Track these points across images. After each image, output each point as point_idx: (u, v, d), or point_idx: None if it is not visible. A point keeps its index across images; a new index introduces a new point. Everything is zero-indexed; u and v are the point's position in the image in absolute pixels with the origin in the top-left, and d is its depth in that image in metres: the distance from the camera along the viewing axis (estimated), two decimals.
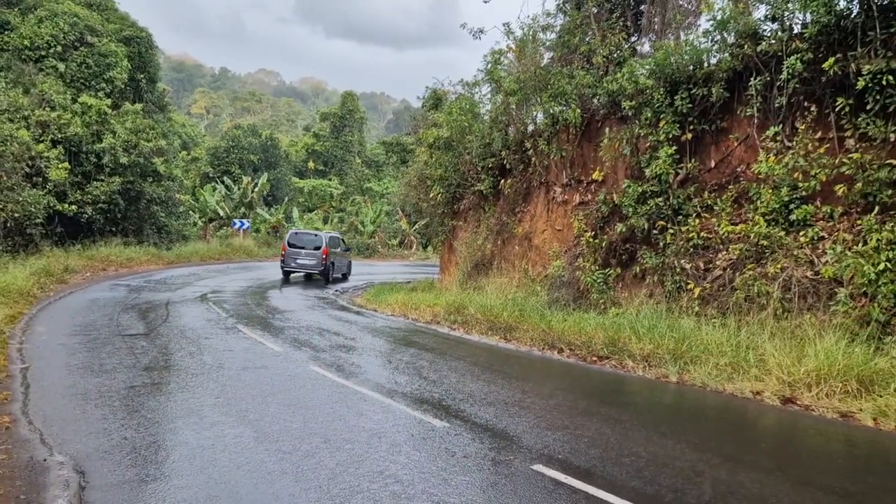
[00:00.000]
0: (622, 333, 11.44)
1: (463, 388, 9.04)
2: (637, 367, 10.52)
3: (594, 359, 11.25)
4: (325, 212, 57.88)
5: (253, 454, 6.09)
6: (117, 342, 11.48)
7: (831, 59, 10.98)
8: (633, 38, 18.62)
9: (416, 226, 49.10)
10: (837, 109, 11.10)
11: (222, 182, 47.20)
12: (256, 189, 44.67)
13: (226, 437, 6.53)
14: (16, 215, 22.13)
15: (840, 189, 10.82)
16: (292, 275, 28.19)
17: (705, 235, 13.09)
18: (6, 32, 29.97)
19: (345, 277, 30.28)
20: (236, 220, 41.23)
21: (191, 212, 41.93)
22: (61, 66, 30.99)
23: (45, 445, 6.26)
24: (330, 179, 66.90)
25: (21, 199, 22.49)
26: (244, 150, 55.12)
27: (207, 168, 53.50)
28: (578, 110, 16.46)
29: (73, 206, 27.13)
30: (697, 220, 13.31)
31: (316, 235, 28.51)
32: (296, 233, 28.94)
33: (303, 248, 27.38)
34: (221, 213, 42.69)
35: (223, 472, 5.63)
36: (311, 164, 68.94)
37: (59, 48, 30.86)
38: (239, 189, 44.65)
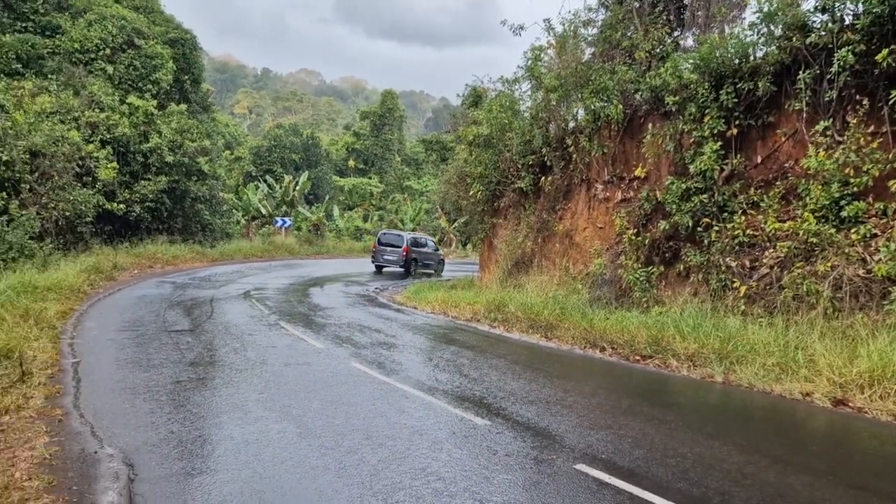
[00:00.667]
0: (666, 332, 11.26)
1: (504, 387, 9.00)
2: (681, 367, 10.34)
3: (637, 358, 11.10)
4: (366, 210, 58.32)
5: (296, 449, 6.16)
6: (164, 338, 11.72)
7: (885, 51, 10.64)
8: (676, 33, 18.28)
9: (456, 224, 49.12)
10: (891, 103, 10.75)
11: (264, 181, 47.87)
12: (298, 188, 45.20)
13: (270, 433, 6.62)
14: (67, 214, 22.74)
15: (893, 185, 10.48)
16: (384, 268, 32.42)
17: (751, 233, 12.79)
18: (58, 36, 30.82)
19: (436, 272, 33.79)
20: (278, 219, 41.78)
21: (234, 210, 42.61)
22: (110, 69, 31.77)
23: (96, 438, 6.42)
24: (370, 178, 67.39)
25: (72, 198, 23.11)
26: (286, 149, 55.85)
27: (250, 167, 54.34)
28: (620, 106, 16.25)
29: (122, 205, 27.81)
30: (743, 218, 13.02)
31: (399, 236, 33.07)
32: (384, 233, 33.64)
33: (389, 245, 31.93)
34: (264, 211, 43.30)
35: (267, 466, 5.70)
36: (351, 163, 69.52)
37: (108, 51, 31.64)
38: (281, 188, 45.23)
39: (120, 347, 10.80)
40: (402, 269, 32.19)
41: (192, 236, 33.41)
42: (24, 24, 30.62)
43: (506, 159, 20.80)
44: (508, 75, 21.61)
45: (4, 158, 20.27)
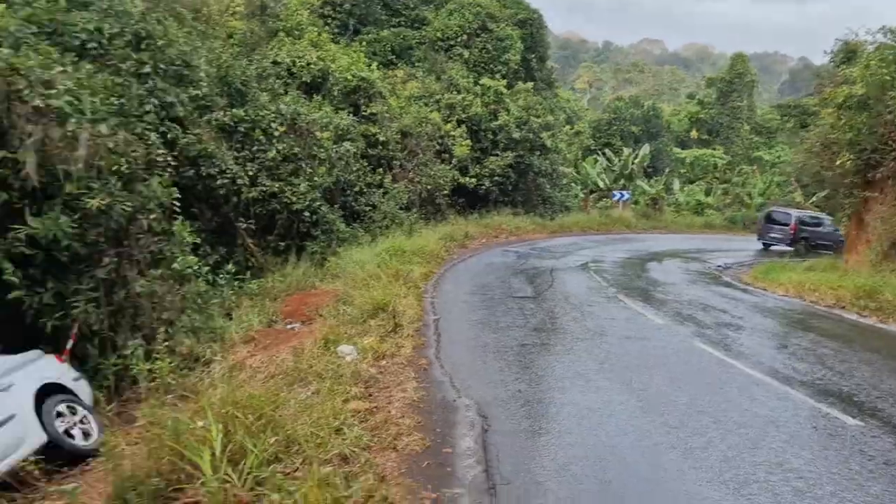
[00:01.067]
0: None
1: (879, 385, 7.77)
2: None
3: None
4: (708, 183, 55.05)
5: (639, 423, 6.08)
6: (509, 303, 12.48)
7: None
8: None
9: (814, 198, 43.82)
10: None
11: (603, 154, 47.98)
12: (637, 160, 44.41)
13: (612, 403, 6.64)
14: (428, 187, 25.44)
15: None
16: (770, 246, 31.08)
17: None
18: (424, 27, 34.43)
19: (835, 253, 30.38)
20: (616, 192, 41.58)
21: (572, 184, 43.50)
22: (466, 53, 34.56)
23: (454, 388, 7.09)
24: (714, 149, 63.34)
25: (432, 173, 25.77)
26: (625, 121, 55.18)
27: (589, 141, 54.87)
28: None
29: (473, 179, 30.21)
30: None
31: (787, 213, 31.81)
32: (772, 210, 32.90)
33: (776, 223, 30.96)
34: (601, 184, 43.45)
35: (611, 436, 5.73)
36: (693, 133, 66.07)
37: (465, 37, 34.44)
38: (619, 161, 44.90)
39: (471, 309, 11.79)
40: (789, 248, 30.02)
41: (533, 208, 34.98)
42: (397, 20, 34.81)
43: (885, 122, 17.79)
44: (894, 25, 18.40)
45: (381, 139, 23.36)
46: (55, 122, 8.90)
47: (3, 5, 10.64)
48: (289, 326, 11.38)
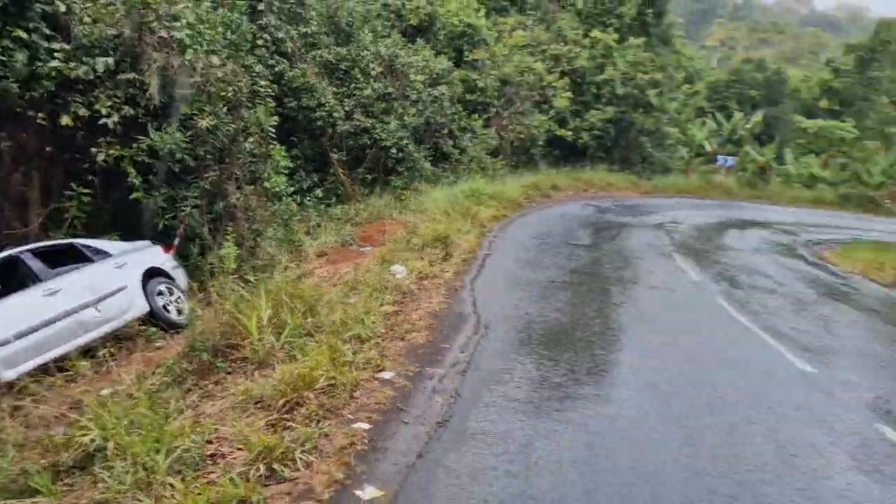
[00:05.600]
0: None
1: (864, 348, 8.37)
2: None
3: None
4: (831, 156, 52.32)
5: (623, 344, 7.15)
6: (562, 248, 13.50)
7: None
8: None
9: None
10: None
11: (714, 117, 46.68)
12: (748, 126, 43.07)
13: (592, 326, 7.73)
14: (522, 136, 26.26)
15: None
16: None
17: None
18: None
19: None
20: (720, 157, 40.67)
21: (679, 145, 42.81)
22: (580, 3, 34.50)
23: (473, 305, 8.37)
24: (843, 121, 59.78)
25: (528, 122, 26.53)
26: (745, 84, 53.09)
27: (704, 102, 53.27)
28: None
29: (571, 132, 30.67)
30: None
31: None
32: None
33: None
34: (708, 148, 42.57)
35: (564, 332, 6.85)
36: (823, 103, 62.44)
37: None
38: (729, 125, 43.67)
39: (525, 250, 12.91)
40: None
41: (631, 166, 34.98)
42: None
43: None
44: None
45: (480, 85, 24.29)
46: (176, 51, 10.57)
47: None
48: (361, 248, 12.95)
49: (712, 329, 8.50)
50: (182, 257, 10.33)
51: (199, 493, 3.79)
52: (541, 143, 28.16)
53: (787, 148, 48.55)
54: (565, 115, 30.36)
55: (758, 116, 43.88)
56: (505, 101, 25.96)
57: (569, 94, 30.26)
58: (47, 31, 8.64)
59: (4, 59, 7.98)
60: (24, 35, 8.16)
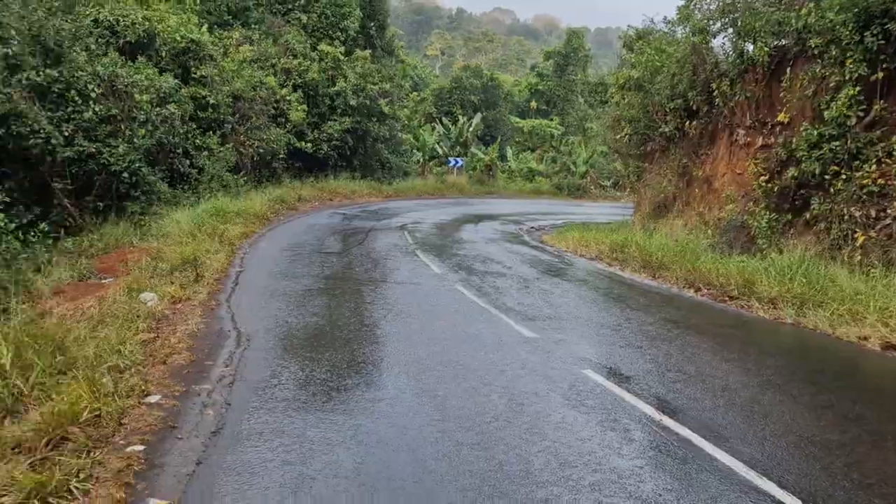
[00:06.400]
0: (756, 276, 11.50)
1: (574, 312, 10.06)
2: (760, 308, 10.64)
3: (725, 298, 11.46)
4: (544, 151, 58.98)
5: (375, 329, 7.84)
6: (314, 257, 14.00)
7: None
8: None
9: (630, 167, 48.50)
10: None
11: (441, 122, 50.23)
12: (471, 129, 47.03)
13: (349, 324, 8.38)
14: (261, 151, 26.19)
15: None
16: None
17: (882, 182, 12.41)
18: None
19: None
20: (451, 159, 44.02)
21: (414, 150, 45.40)
22: (304, 18, 35.13)
23: (233, 322, 8.55)
24: (551, 119, 67.60)
25: (265, 137, 26.52)
26: (466, 90, 57.68)
27: (431, 108, 56.94)
28: (766, 49, 15.85)
29: (310, 144, 31.17)
30: (876, 167, 12.60)
31: None
32: None
33: None
34: (440, 151, 45.73)
35: (323, 334, 7.44)
36: (533, 104, 69.98)
37: (303, 1, 34.95)
38: (456, 129, 47.31)
39: (278, 263, 13.19)
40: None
41: (371, 173, 36.47)
42: None
43: (654, 103, 20.83)
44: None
45: (212, 101, 23.80)
46: None
47: None
48: (102, 280, 12.25)
49: (454, 312, 9.57)
50: None
51: None
52: (282, 156, 28.31)
53: (508, 146, 53.79)
54: (303, 128, 30.79)
55: (477, 119, 47.94)
56: (239, 116, 25.68)
57: (304, 106, 30.74)
58: None
59: None
60: None
